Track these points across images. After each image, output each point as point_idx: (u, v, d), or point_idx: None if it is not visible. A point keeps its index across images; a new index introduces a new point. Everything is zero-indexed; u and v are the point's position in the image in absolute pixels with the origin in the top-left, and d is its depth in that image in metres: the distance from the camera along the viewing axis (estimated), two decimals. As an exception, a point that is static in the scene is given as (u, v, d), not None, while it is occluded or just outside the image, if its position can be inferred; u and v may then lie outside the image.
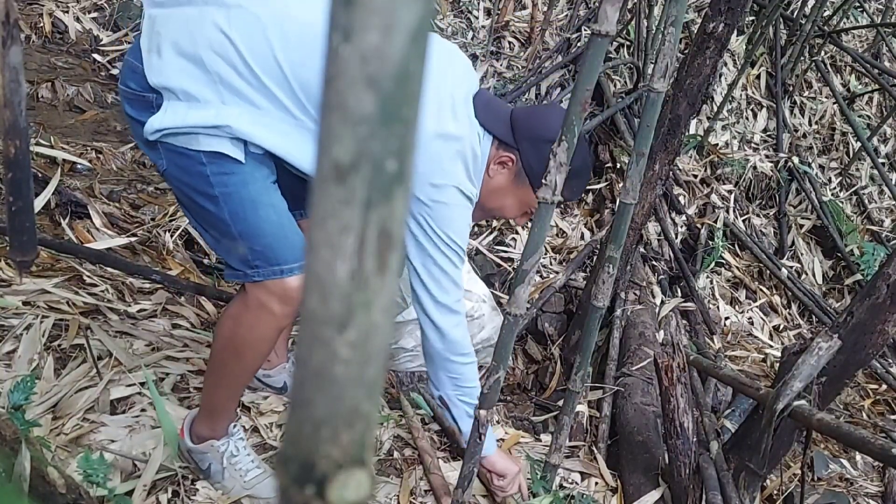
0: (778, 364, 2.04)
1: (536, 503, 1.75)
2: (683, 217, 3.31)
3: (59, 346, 1.81)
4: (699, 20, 3.82)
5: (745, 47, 4.15)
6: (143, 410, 1.72)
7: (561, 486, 1.88)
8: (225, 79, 1.23)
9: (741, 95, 4.14)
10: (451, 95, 1.38)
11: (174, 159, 1.28)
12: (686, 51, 2.21)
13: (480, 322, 2.07)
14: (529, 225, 1.32)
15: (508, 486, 1.72)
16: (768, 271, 3.40)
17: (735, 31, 2.12)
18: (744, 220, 3.65)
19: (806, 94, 4.43)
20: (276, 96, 1.26)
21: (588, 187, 3.24)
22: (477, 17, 3.82)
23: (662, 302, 2.73)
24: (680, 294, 2.89)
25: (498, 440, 2.00)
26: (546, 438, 2.04)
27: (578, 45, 3.74)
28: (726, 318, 3.07)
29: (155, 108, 1.26)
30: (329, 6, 0.26)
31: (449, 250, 1.45)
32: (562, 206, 3.12)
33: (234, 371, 1.48)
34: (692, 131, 3.75)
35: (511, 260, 2.69)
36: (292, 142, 1.30)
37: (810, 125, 4.33)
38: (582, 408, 2.13)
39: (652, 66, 3.58)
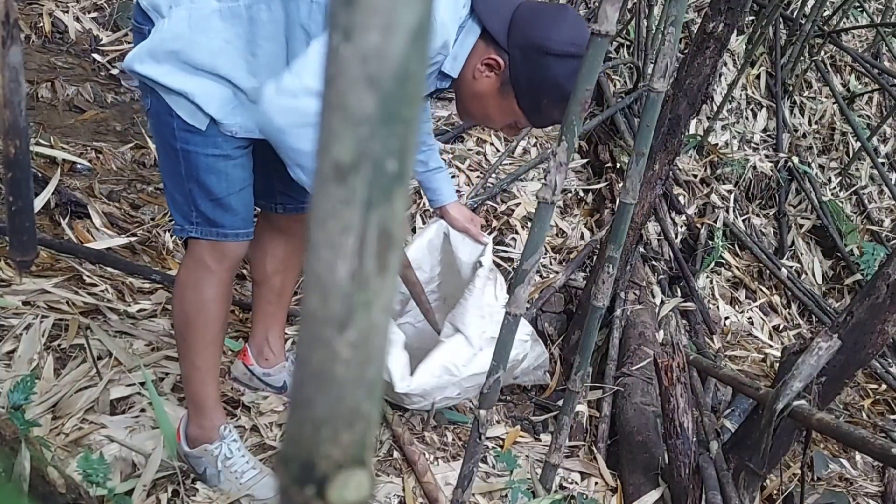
0: (778, 364, 2.04)
1: (536, 503, 1.75)
2: (683, 217, 3.31)
3: (58, 345, 1.81)
4: (699, 20, 3.81)
5: (744, 47, 4.15)
6: (142, 410, 1.72)
7: (561, 486, 1.88)
8: None
9: (741, 95, 4.14)
10: None
11: (155, 103, 1.33)
12: (686, 51, 2.21)
13: (521, 356, 1.97)
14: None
15: (473, 228, 1.88)
16: (768, 271, 3.40)
17: (735, 31, 2.12)
18: (744, 220, 3.64)
19: (806, 94, 4.43)
20: None
21: (588, 187, 3.24)
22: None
23: (662, 302, 2.73)
24: (680, 294, 2.89)
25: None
26: (546, 438, 2.04)
27: (578, 45, 3.73)
28: (726, 318, 3.07)
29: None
30: (329, 6, 0.26)
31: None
32: (561, 203, 3.12)
33: (193, 344, 1.50)
34: (692, 131, 3.74)
35: (511, 260, 2.69)
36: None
37: (810, 125, 4.33)
38: (582, 408, 2.13)
39: (652, 66, 3.58)
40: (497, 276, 1.91)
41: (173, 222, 1.47)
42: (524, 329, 1.95)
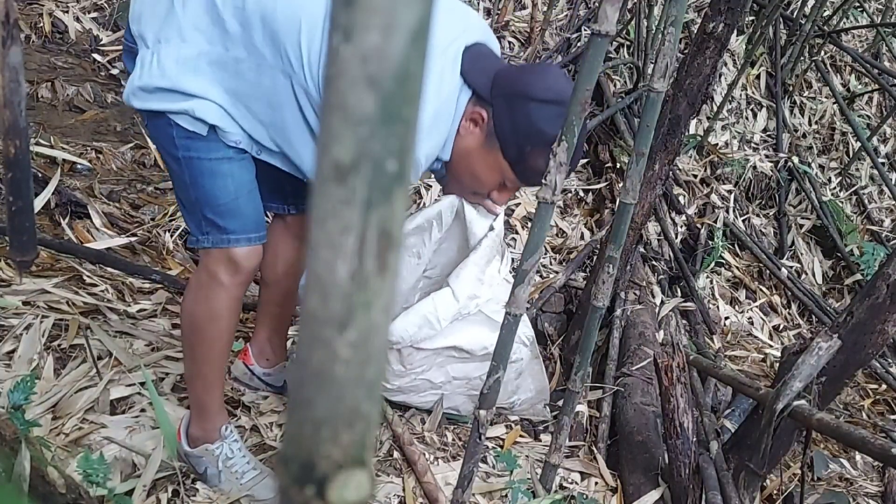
0: (778, 364, 2.04)
1: (536, 503, 1.75)
2: (683, 217, 3.31)
3: (59, 346, 1.81)
4: (699, 20, 3.81)
5: (744, 47, 4.15)
6: (142, 410, 1.72)
7: (561, 487, 1.88)
8: (188, 9, 1.26)
9: (741, 95, 4.14)
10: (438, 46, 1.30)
11: (151, 117, 1.33)
12: (686, 51, 2.22)
13: (518, 367, 1.92)
14: (506, 206, 1.21)
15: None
16: (768, 271, 3.40)
17: (735, 31, 2.12)
18: (744, 220, 3.64)
19: (806, 94, 4.43)
20: (238, 35, 1.26)
21: (588, 187, 3.24)
22: (477, 17, 3.81)
23: (662, 302, 2.73)
24: (680, 294, 2.89)
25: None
26: (546, 438, 2.04)
27: (578, 45, 3.74)
28: (726, 318, 3.07)
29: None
30: (329, 6, 0.26)
31: None
32: (561, 203, 3.12)
33: (201, 354, 1.49)
34: (692, 131, 3.74)
35: (511, 260, 2.69)
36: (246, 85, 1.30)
37: (810, 125, 4.33)
38: (582, 408, 2.13)
39: (652, 66, 3.58)
40: (505, 251, 1.88)
41: (190, 234, 1.46)
42: (523, 330, 1.93)
